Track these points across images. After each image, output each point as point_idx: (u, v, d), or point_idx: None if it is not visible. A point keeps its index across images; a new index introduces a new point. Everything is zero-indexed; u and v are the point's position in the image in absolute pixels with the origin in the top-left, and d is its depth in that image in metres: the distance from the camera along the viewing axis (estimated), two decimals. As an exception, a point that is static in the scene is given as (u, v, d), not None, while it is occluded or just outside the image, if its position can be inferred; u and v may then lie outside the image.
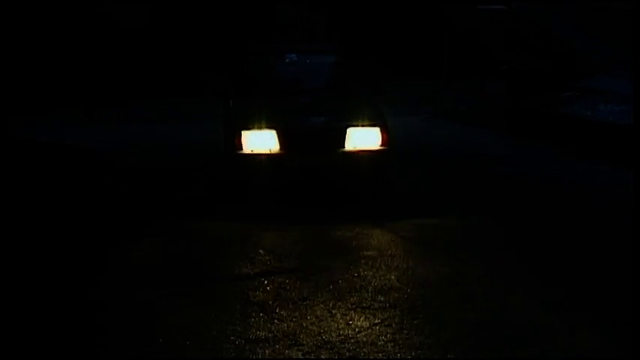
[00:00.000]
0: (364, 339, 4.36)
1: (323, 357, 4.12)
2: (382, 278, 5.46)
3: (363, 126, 7.97)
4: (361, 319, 4.65)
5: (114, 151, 11.22)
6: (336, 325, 4.57)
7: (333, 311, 4.80)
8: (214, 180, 9.24)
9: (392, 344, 4.26)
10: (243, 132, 7.78)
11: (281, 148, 7.77)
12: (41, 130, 12.45)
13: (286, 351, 4.20)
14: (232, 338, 4.38)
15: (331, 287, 5.28)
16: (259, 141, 7.77)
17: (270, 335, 4.42)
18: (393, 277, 5.47)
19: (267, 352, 4.18)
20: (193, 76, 16.50)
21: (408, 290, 5.17)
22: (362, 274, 5.57)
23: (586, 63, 12.88)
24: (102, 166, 9.85)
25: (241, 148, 7.75)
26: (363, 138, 7.94)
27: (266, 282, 5.45)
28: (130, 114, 15.08)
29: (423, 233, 6.74)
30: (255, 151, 7.74)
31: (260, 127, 7.83)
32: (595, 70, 12.42)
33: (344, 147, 7.86)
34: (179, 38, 16.91)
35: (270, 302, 5.00)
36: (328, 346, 4.25)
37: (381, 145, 7.95)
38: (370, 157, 7.98)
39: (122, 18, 16.55)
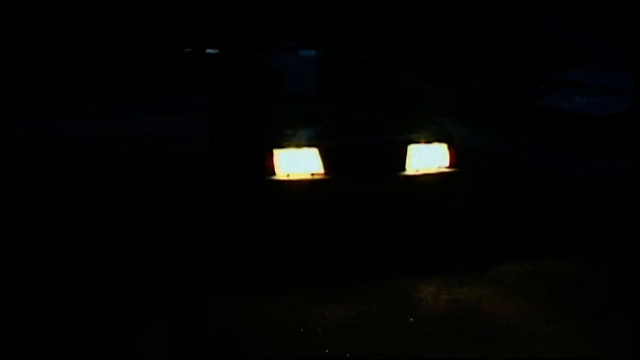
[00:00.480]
0: None
1: None
2: None
3: (427, 142, 5.46)
4: None
5: (92, 145, 9.25)
6: None
7: None
8: (211, 191, 6.90)
9: None
10: (275, 151, 5.17)
11: (326, 172, 5.20)
12: (14, 125, 10.08)
13: None
14: None
15: None
16: (297, 162, 5.20)
17: None
18: None
19: None
20: (172, 68, 14.20)
21: None
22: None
23: (563, 55, 12.00)
24: (79, 161, 8.14)
25: (273, 173, 5.14)
26: (429, 157, 5.42)
27: None
28: (109, 107, 12.55)
29: (545, 294, 4.46)
30: (293, 177, 5.15)
31: (297, 144, 5.24)
32: (571, 63, 11.55)
33: (405, 169, 5.34)
34: (156, 28, 14.43)
35: None
36: None
37: (450, 167, 5.47)
38: (438, 182, 5.42)
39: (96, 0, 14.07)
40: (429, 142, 5.54)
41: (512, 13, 13.92)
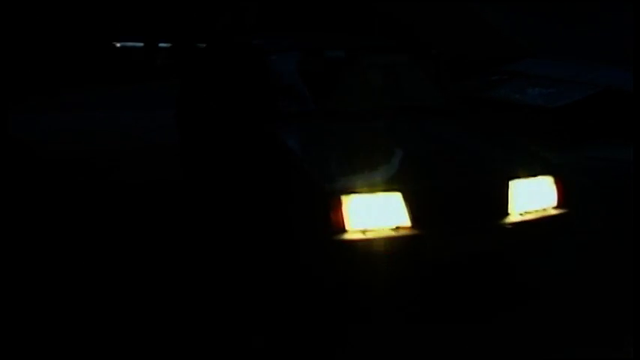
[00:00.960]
0: None
1: None
2: None
3: (530, 175, 3.84)
4: None
5: (43, 140, 7.99)
6: None
7: None
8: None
9: None
10: (344, 198, 3.42)
11: (414, 225, 3.50)
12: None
13: None
14: None
15: None
16: (376, 213, 3.48)
17: None
18: None
19: None
20: (124, 62, 12.29)
21: None
22: None
23: (516, 47, 11.38)
24: (28, 157, 6.97)
25: (342, 229, 3.38)
26: (534, 196, 3.78)
27: None
28: (61, 101, 10.81)
29: None
30: (371, 234, 3.43)
31: (374, 188, 3.52)
32: (524, 54, 10.86)
33: (507, 214, 3.72)
34: (106, 23, 12.37)
35: None
36: None
37: (558, 207, 3.87)
38: (545, 229, 3.83)
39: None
40: (532, 175, 3.94)
41: (467, 5, 13.12)
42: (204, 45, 6.50)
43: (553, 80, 9.48)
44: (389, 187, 3.46)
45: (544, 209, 3.79)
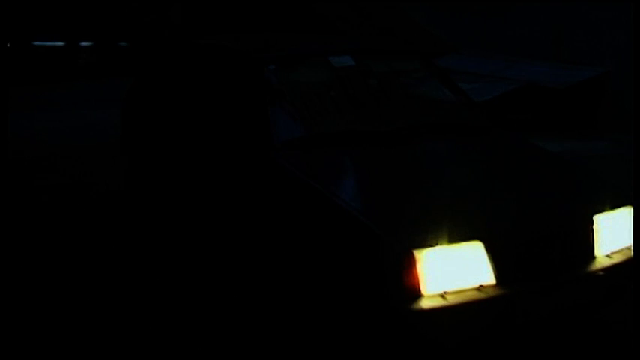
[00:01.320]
0: None
1: None
2: None
3: (612, 208, 3.11)
4: None
5: None
6: None
7: None
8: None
9: None
10: (417, 253, 2.62)
11: (499, 280, 2.74)
12: None
13: None
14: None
15: None
16: (456, 269, 2.70)
17: None
18: None
19: None
20: (41, 62, 10.96)
21: None
22: None
23: (439, 43, 11.24)
24: None
25: (417, 293, 2.61)
26: (617, 232, 3.09)
27: None
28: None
29: None
30: (453, 298, 2.66)
31: (451, 237, 2.71)
32: (448, 50, 10.82)
33: (594, 256, 3.02)
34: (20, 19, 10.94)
35: None
36: None
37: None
38: (628, 270, 3.11)
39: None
40: (615, 206, 3.25)
41: (392, 3, 12.34)
42: (171, 46, 5.45)
43: (476, 76, 9.36)
44: (467, 236, 2.64)
45: (628, 247, 3.08)
